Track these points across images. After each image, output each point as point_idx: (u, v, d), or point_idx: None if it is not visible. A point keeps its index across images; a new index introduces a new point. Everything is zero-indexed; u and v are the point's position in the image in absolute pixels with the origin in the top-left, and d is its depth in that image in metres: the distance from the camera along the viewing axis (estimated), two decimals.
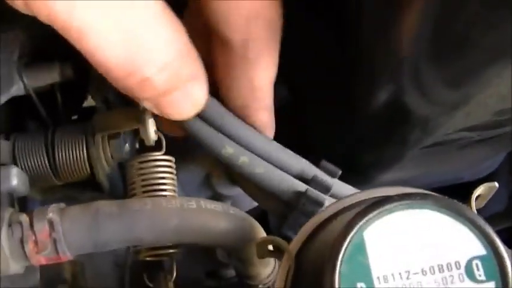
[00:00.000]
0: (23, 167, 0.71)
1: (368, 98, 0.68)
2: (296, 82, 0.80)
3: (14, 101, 0.77)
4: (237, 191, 0.82)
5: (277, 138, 0.68)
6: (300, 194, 0.64)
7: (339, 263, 0.45)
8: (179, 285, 0.72)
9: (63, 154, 0.71)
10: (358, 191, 0.66)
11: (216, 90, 0.63)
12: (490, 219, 0.88)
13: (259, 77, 0.59)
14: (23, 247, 0.56)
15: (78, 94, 0.83)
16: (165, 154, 0.70)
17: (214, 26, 0.56)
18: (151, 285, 0.70)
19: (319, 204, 0.63)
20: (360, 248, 0.46)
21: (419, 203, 0.47)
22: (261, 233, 0.64)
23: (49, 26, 0.46)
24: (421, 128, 0.66)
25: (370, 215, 0.46)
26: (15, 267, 0.58)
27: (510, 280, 0.45)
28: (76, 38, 0.46)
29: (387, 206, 0.47)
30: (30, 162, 0.72)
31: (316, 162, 0.67)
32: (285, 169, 0.65)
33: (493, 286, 0.45)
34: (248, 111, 0.62)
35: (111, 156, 0.72)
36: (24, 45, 0.72)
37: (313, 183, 0.65)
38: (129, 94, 0.53)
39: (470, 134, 0.68)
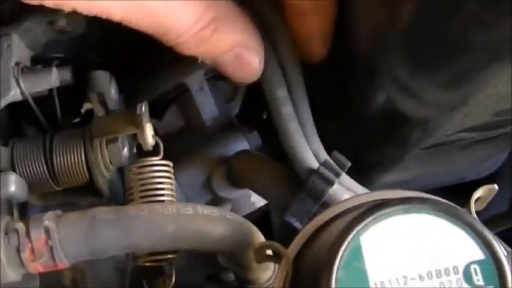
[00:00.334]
0: (22, 173, 0.71)
1: (366, 99, 0.68)
2: None
3: (12, 106, 0.77)
4: (237, 194, 0.82)
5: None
6: (311, 171, 0.66)
7: (335, 268, 0.45)
8: None
9: (61, 159, 0.71)
10: (362, 188, 0.66)
11: None
12: (493, 220, 0.88)
13: None
14: (19, 255, 0.56)
15: (76, 99, 0.82)
16: (163, 158, 0.69)
17: None
18: None
19: (330, 183, 0.64)
20: (357, 253, 0.45)
21: (417, 207, 0.46)
22: (259, 238, 0.63)
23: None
24: (421, 129, 0.66)
25: (368, 220, 0.46)
26: (12, 275, 0.58)
27: (509, 285, 0.45)
28: None
29: (385, 211, 0.46)
30: (29, 168, 0.71)
31: None
32: (306, 140, 0.68)
33: None
34: None
35: (110, 161, 0.72)
36: (21, 51, 0.72)
37: (324, 165, 0.66)
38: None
39: (471, 134, 0.68)
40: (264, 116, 0.95)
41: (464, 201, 0.52)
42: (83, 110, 0.86)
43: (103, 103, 0.76)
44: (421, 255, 0.46)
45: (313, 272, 0.47)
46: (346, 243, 0.45)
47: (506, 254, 0.47)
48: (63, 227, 0.57)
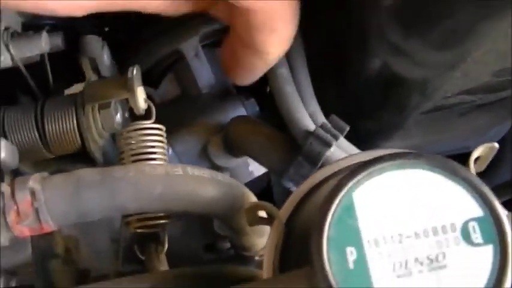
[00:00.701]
0: (13, 140, 0.70)
1: (362, 64, 0.67)
2: None
3: (4, 74, 0.75)
4: (235, 163, 0.81)
5: None
6: (308, 133, 0.65)
7: (326, 226, 0.43)
8: (177, 260, 0.70)
9: (53, 126, 0.69)
10: (359, 151, 0.64)
11: None
12: (498, 189, 0.87)
13: None
14: (5, 218, 0.54)
15: (69, 66, 0.81)
16: (156, 123, 0.68)
17: None
18: (143, 258, 0.68)
19: (327, 144, 0.63)
20: (349, 210, 0.43)
21: (412, 162, 0.45)
22: (253, 200, 0.62)
23: None
24: (419, 92, 0.64)
25: (360, 176, 0.44)
26: None
27: (509, 243, 0.43)
28: None
29: (378, 166, 0.44)
30: (20, 135, 0.70)
31: None
32: (303, 102, 0.67)
33: (491, 250, 0.43)
34: None
35: (102, 127, 0.70)
36: (10, 16, 0.71)
37: (322, 128, 0.65)
38: None
39: (471, 97, 0.66)
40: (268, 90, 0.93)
41: None
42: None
43: (95, 69, 0.75)
44: (416, 212, 0.44)
45: (306, 232, 0.46)
46: (338, 199, 0.43)
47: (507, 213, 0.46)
48: (48, 188, 0.55)
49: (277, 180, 0.87)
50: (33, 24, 0.74)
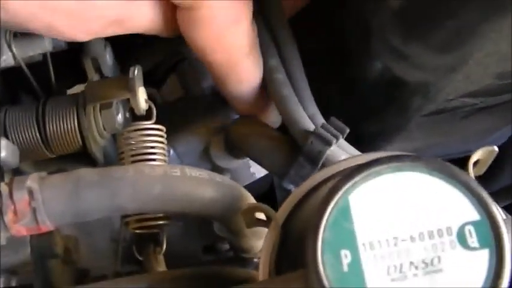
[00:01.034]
0: (14, 139, 0.70)
1: (363, 67, 0.67)
2: None
3: (7, 74, 0.75)
4: (236, 164, 0.81)
5: None
6: (309, 132, 0.64)
7: (322, 228, 0.43)
8: (176, 261, 0.70)
9: (54, 125, 0.70)
10: (359, 153, 0.64)
11: None
12: (499, 193, 0.86)
13: None
14: (2, 217, 0.54)
15: (72, 66, 0.81)
16: (158, 123, 0.68)
17: None
18: (141, 258, 0.68)
19: (328, 143, 0.62)
20: (345, 213, 0.43)
21: (409, 165, 0.44)
22: (251, 202, 0.62)
23: None
24: (421, 94, 0.64)
25: (356, 178, 0.44)
26: None
27: (505, 248, 0.42)
28: None
29: (375, 169, 0.44)
30: (21, 135, 0.70)
31: None
32: (302, 105, 0.67)
33: (487, 254, 0.43)
34: None
35: (103, 127, 0.70)
36: None
37: (322, 127, 0.65)
38: None
39: (473, 100, 0.66)
40: None
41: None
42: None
43: (98, 69, 0.75)
44: (412, 215, 0.43)
45: (302, 234, 0.45)
46: (333, 202, 0.43)
47: (505, 217, 0.45)
48: (46, 188, 0.55)
49: (279, 182, 0.87)
50: None
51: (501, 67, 0.57)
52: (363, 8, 0.61)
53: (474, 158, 0.51)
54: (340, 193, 0.43)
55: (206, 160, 0.80)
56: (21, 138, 0.70)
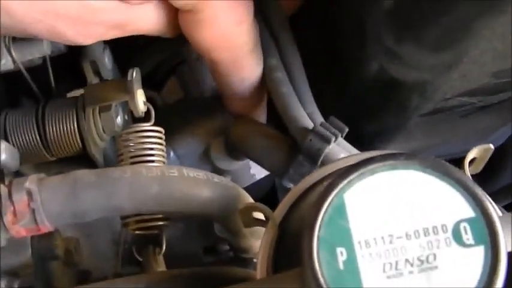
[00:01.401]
0: (14, 142, 0.70)
1: (359, 69, 0.67)
2: None
3: (7, 78, 0.76)
4: (236, 166, 0.81)
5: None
6: (307, 131, 0.65)
7: (317, 226, 0.43)
8: (176, 262, 0.71)
9: (54, 128, 0.70)
10: (358, 152, 0.64)
11: None
12: (499, 192, 0.86)
13: None
14: (1, 218, 0.55)
15: (71, 68, 0.81)
16: (157, 125, 0.68)
17: None
18: (141, 259, 0.68)
19: (327, 140, 0.62)
20: (341, 211, 0.43)
21: (404, 163, 0.44)
22: (249, 202, 0.62)
23: None
24: (418, 94, 0.64)
25: (351, 176, 0.44)
26: None
27: (500, 244, 0.43)
28: None
29: (369, 167, 0.44)
30: (21, 137, 0.70)
31: None
32: (301, 104, 0.67)
33: (482, 251, 0.43)
34: None
35: (103, 130, 0.70)
36: None
37: (321, 126, 0.65)
38: None
39: (471, 99, 0.66)
40: None
41: (472, 177, 0.50)
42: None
43: (97, 72, 0.75)
44: (407, 213, 0.43)
45: (299, 233, 0.46)
46: (329, 200, 0.43)
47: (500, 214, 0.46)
48: (45, 189, 0.56)
49: (281, 183, 0.87)
50: None
51: (497, 65, 0.57)
52: (358, 9, 0.61)
53: (470, 156, 0.51)
54: (335, 191, 0.44)
55: (206, 162, 0.80)
56: (21, 141, 0.70)
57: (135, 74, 0.66)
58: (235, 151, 0.78)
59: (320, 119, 0.66)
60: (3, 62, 0.70)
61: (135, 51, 0.84)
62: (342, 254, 0.42)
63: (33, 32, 0.58)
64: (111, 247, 0.76)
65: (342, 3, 0.64)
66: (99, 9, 0.58)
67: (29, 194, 0.55)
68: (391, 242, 0.43)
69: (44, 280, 0.66)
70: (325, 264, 0.42)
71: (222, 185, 0.61)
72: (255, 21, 0.65)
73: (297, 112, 0.66)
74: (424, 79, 0.61)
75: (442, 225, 0.43)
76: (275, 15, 0.69)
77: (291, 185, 0.67)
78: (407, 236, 0.43)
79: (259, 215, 0.53)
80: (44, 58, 0.73)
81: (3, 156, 0.63)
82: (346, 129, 0.65)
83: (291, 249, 0.48)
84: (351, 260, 0.42)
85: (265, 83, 0.69)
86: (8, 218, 0.54)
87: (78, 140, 0.70)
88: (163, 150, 0.67)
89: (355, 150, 0.66)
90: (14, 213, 0.55)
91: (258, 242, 0.65)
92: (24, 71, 0.71)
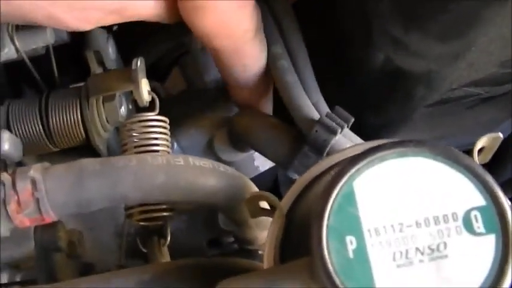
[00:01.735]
0: (17, 132, 0.70)
1: (366, 60, 0.66)
2: None
3: (11, 68, 0.75)
4: (240, 157, 0.80)
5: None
6: (313, 122, 0.64)
7: (326, 214, 0.42)
8: (180, 254, 0.70)
9: (57, 118, 0.69)
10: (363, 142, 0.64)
11: None
12: (503, 186, 0.86)
13: None
14: (5, 207, 0.54)
15: (75, 60, 0.81)
16: (161, 115, 0.67)
17: None
18: (145, 250, 0.68)
19: (333, 131, 0.62)
20: (350, 199, 0.43)
21: (414, 150, 0.44)
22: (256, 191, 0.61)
23: None
24: (424, 84, 0.63)
25: (361, 164, 0.43)
26: None
27: (511, 233, 0.42)
28: None
29: (379, 154, 0.44)
30: (24, 128, 0.70)
31: None
32: (306, 93, 0.67)
33: (493, 239, 0.42)
34: None
35: (107, 120, 0.70)
36: None
37: (327, 116, 0.64)
38: None
39: (477, 89, 0.65)
40: None
41: None
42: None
43: (100, 62, 0.75)
44: (417, 201, 0.43)
45: (306, 222, 0.45)
46: (338, 188, 0.43)
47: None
48: (49, 178, 0.55)
49: (284, 177, 0.86)
50: None
51: (504, 54, 0.56)
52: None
53: (479, 145, 0.50)
54: (344, 179, 0.43)
55: (210, 154, 0.79)
56: (24, 132, 0.70)
57: (139, 63, 0.65)
58: (239, 142, 0.77)
59: (326, 108, 0.66)
60: (6, 50, 0.69)
61: (139, 42, 0.84)
62: (351, 242, 0.42)
63: (32, 18, 0.58)
64: (114, 239, 0.75)
65: None
66: None
67: (33, 183, 0.54)
68: (401, 231, 0.42)
69: (46, 272, 0.65)
70: (335, 253, 0.42)
71: (229, 174, 0.60)
72: (257, 7, 0.64)
73: (303, 102, 0.65)
74: (431, 69, 0.61)
75: (453, 214, 0.43)
76: (279, 1, 0.68)
77: (295, 176, 0.66)
78: (418, 224, 0.43)
79: (266, 205, 0.53)
80: (47, 48, 0.73)
81: (6, 146, 0.62)
82: (352, 120, 0.65)
83: (298, 238, 0.48)
84: (361, 249, 0.42)
85: (269, 73, 0.68)
86: (11, 207, 0.54)
87: (82, 130, 0.70)
88: (168, 140, 0.66)
89: (361, 141, 0.65)
90: (18, 203, 0.54)
91: (263, 233, 0.64)
92: (27, 60, 0.71)
